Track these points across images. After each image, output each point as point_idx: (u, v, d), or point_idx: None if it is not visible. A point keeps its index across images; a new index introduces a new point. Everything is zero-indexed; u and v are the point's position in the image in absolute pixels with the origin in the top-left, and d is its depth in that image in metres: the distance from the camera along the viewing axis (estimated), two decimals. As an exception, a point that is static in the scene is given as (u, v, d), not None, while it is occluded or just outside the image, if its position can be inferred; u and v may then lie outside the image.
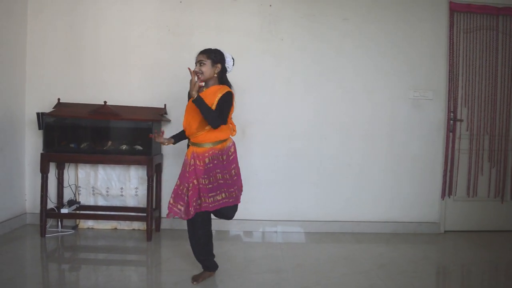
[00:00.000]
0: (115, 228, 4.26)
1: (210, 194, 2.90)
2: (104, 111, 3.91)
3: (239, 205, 3.07)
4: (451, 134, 4.42)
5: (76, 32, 4.24)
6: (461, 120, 4.42)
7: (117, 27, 4.24)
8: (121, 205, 4.24)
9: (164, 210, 4.25)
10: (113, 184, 4.24)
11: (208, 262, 3.07)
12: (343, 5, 4.32)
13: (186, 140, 3.07)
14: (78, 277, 3.17)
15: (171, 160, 4.30)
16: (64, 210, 3.98)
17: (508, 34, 4.42)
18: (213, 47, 2.97)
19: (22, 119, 4.22)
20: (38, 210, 3.99)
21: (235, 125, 3.08)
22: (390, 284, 3.09)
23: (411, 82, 4.38)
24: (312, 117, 4.35)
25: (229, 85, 2.97)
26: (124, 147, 4.01)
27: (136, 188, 4.26)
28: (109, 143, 4.05)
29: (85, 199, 4.26)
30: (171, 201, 2.96)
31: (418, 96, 4.38)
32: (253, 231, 4.30)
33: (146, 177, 3.95)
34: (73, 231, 4.11)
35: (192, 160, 2.90)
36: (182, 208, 2.91)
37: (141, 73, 4.27)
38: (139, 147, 4.01)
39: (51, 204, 4.11)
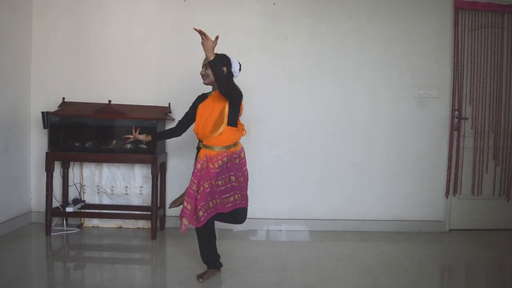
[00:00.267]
0: (120, 227, 4.27)
1: (224, 196, 2.90)
2: (108, 110, 3.92)
3: None
4: (456, 132, 4.40)
5: (81, 31, 4.25)
6: (466, 118, 4.40)
7: (121, 26, 4.25)
8: (125, 204, 4.26)
9: (169, 209, 4.28)
10: (117, 182, 4.26)
11: (214, 262, 3.09)
12: (347, 3, 4.31)
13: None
14: (83, 276, 3.18)
15: (175, 159, 4.31)
16: (69, 209, 4.00)
17: (514, 32, 4.41)
18: (219, 52, 2.98)
19: (27, 118, 4.24)
20: (43, 209, 4.01)
21: (243, 125, 3.09)
22: (394, 282, 3.09)
23: (416, 80, 4.36)
24: (316, 115, 4.34)
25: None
26: (128, 146, 4.02)
27: (141, 186, 4.27)
28: (114, 142, 4.06)
29: (90, 197, 4.27)
30: (188, 206, 2.91)
31: (422, 94, 4.36)
32: (257, 230, 4.31)
33: (150, 176, 3.96)
34: (78, 230, 4.13)
35: (205, 163, 2.90)
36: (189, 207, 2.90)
37: (146, 72, 4.27)
38: (144, 146, 4.02)
39: (56, 202, 4.13)
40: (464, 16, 4.36)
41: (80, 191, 4.26)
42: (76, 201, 4.13)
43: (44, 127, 3.97)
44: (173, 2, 4.26)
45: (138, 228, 4.26)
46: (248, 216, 3.08)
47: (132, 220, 4.23)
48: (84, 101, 4.16)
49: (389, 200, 4.40)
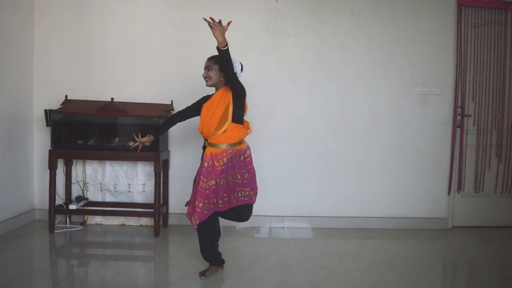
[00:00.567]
0: (123, 224, 4.28)
1: (225, 194, 2.91)
2: (111, 108, 3.93)
3: None
4: (458, 129, 4.39)
5: (83, 29, 4.25)
6: (468, 115, 4.39)
7: (123, 24, 4.26)
8: (128, 201, 4.27)
9: (172, 206, 4.30)
10: (120, 180, 4.26)
11: (216, 260, 3.10)
12: (349, 1, 4.29)
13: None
14: (87, 273, 3.20)
15: (178, 156, 4.32)
16: (72, 206, 4.02)
17: (517, 29, 4.39)
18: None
19: (30, 116, 4.25)
20: (46, 206, 4.02)
21: (248, 123, 3.10)
22: (397, 280, 3.09)
23: (419, 77, 4.35)
24: (318, 113, 4.34)
25: None
26: (131, 143, 4.02)
27: (144, 184, 4.28)
28: (116, 139, 4.06)
29: (93, 195, 4.28)
30: (199, 205, 2.90)
31: (425, 91, 4.35)
32: (260, 227, 4.31)
33: (153, 173, 3.97)
34: (81, 227, 4.14)
35: (211, 161, 2.91)
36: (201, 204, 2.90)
37: (148, 70, 4.28)
38: (147, 143, 4.01)
39: (59, 200, 4.14)
40: (467, 13, 4.34)
41: (83, 188, 4.27)
42: (79, 199, 4.15)
43: (47, 125, 3.98)
44: (174, 0, 4.26)
45: (141, 225, 4.26)
46: (251, 213, 3.08)
47: (135, 218, 4.24)
48: (87, 99, 4.16)
49: (392, 197, 4.40)
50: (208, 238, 3.03)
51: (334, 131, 4.35)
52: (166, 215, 4.24)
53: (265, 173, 4.29)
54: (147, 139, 3.23)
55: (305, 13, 4.29)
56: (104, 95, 4.13)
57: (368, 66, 4.34)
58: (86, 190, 4.28)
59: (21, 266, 3.13)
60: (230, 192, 2.92)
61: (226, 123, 2.89)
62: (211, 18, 2.69)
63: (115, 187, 4.27)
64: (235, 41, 4.28)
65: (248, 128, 3.07)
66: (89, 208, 4.19)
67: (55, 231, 3.96)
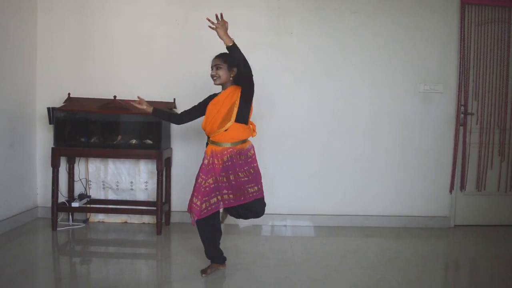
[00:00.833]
0: (125, 222, 4.29)
1: (229, 191, 2.91)
2: (113, 106, 3.93)
3: None
4: (461, 127, 4.38)
5: (86, 27, 4.26)
6: (472, 114, 4.38)
7: (126, 22, 4.26)
8: (131, 199, 4.27)
9: (174, 204, 4.30)
10: (123, 178, 4.27)
11: (217, 258, 3.10)
12: (352, -2, 4.30)
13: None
14: (89, 270, 3.21)
15: (180, 154, 4.32)
16: (75, 204, 4.03)
17: (520, 27, 4.37)
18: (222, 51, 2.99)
19: (33, 114, 4.27)
20: (49, 204, 4.03)
21: (255, 126, 3.09)
22: (399, 278, 3.09)
23: (422, 75, 4.34)
24: (320, 111, 4.34)
25: None
26: (133, 141, 4.03)
27: (146, 182, 4.28)
28: (119, 137, 4.07)
29: (96, 193, 4.29)
30: (197, 202, 2.91)
31: (428, 89, 4.34)
32: (262, 225, 4.31)
33: (155, 171, 3.97)
34: (83, 225, 4.15)
35: (211, 158, 2.92)
36: (198, 203, 2.90)
37: (150, 68, 4.28)
38: (149, 141, 4.03)
39: (62, 198, 4.15)
40: (470, 10, 4.32)
41: (86, 186, 4.28)
42: (81, 196, 4.16)
43: (50, 123, 3.99)
44: (177, -3, 4.27)
45: (143, 223, 4.27)
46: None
47: (137, 215, 4.25)
48: (90, 96, 4.17)
49: (394, 196, 4.39)
50: (209, 235, 3.03)
51: (336, 129, 4.35)
52: (168, 213, 4.25)
53: (267, 171, 4.27)
54: (145, 107, 3.13)
55: (308, 11, 4.28)
56: (106, 93, 4.13)
57: (370, 63, 4.32)
58: (89, 188, 4.29)
59: (24, 264, 3.14)
60: (235, 190, 2.91)
61: (229, 123, 2.89)
62: (213, 18, 2.69)
63: (117, 185, 4.28)
64: (237, 39, 4.27)
65: (253, 130, 3.06)
66: (92, 206, 4.20)
67: (57, 229, 3.97)
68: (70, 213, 4.16)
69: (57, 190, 3.97)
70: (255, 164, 3.02)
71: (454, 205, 4.43)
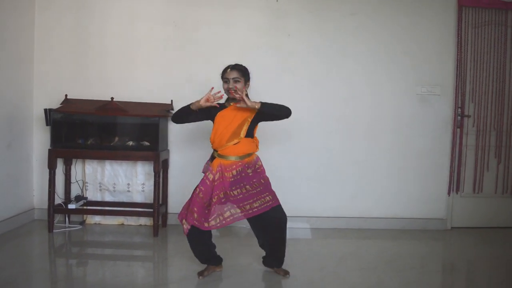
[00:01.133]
0: (122, 224, 4.28)
1: (245, 203, 2.85)
2: (111, 107, 3.92)
3: None
4: (458, 130, 4.38)
5: (83, 28, 4.25)
6: (468, 116, 4.39)
7: (123, 23, 4.25)
8: (128, 201, 4.26)
9: (171, 206, 4.29)
10: (120, 180, 4.26)
11: (212, 259, 3.08)
12: (350, 0, 4.29)
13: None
14: (85, 272, 3.20)
15: (178, 156, 4.31)
16: (71, 206, 4.01)
17: (517, 29, 4.38)
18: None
19: (30, 115, 4.25)
20: (45, 206, 4.01)
21: (258, 141, 3.07)
22: (397, 280, 3.09)
23: (419, 78, 4.35)
24: (318, 112, 4.34)
25: None
26: (130, 143, 4.02)
27: (143, 184, 4.27)
28: (116, 139, 4.06)
29: (92, 194, 4.28)
30: (194, 215, 2.86)
31: (425, 91, 4.35)
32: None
33: (153, 173, 3.96)
34: (80, 227, 4.13)
35: (219, 173, 2.88)
36: (195, 215, 2.84)
37: (148, 69, 4.27)
38: (146, 143, 4.02)
39: (58, 199, 4.13)
40: (467, 13, 4.34)
41: (83, 188, 4.27)
42: (78, 198, 4.14)
43: (47, 124, 3.98)
44: (175, -2, 4.27)
45: (140, 225, 4.26)
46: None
47: (134, 217, 4.24)
48: (87, 98, 4.15)
49: (392, 198, 4.39)
50: (198, 240, 2.95)
51: (334, 131, 4.35)
52: (165, 215, 4.23)
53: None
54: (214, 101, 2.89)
55: (306, 12, 4.29)
56: (104, 95, 4.12)
57: (368, 65, 4.33)
58: (86, 189, 4.27)
59: (20, 266, 3.13)
60: (248, 201, 2.84)
61: (238, 137, 2.89)
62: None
63: (114, 187, 4.26)
64: (235, 40, 4.30)
65: (257, 146, 3.04)
66: (88, 207, 4.19)
67: (54, 231, 3.95)
68: (66, 215, 4.15)
69: (54, 191, 3.95)
70: (264, 175, 3.01)
71: (451, 207, 4.43)
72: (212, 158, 3.01)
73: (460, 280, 3.32)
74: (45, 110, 3.96)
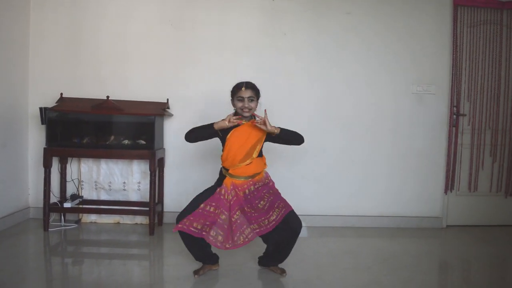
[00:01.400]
0: (118, 222, 4.27)
1: (261, 218, 2.83)
2: (106, 106, 3.91)
3: None
4: (454, 128, 4.40)
5: (79, 27, 4.23)
6: (464, 115, 4.40)
7: (119, 21, 4.24)
8: (123, 200, 4.25)
9: (167, 204, 4.29)
10: (115, 178, 4.25)
11: (208, 258, 3.07)
12: (346, -1, 4.31)
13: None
14: (81, 271, 3.19)
15: (174, 154, 4.31)
16: (67, 205, 4.00)
17: (512, 28, 4.40)
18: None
19: (25, 114, 4.23)
20: (41, 204, 4.00)
21: (265, 159, 3.08)
22: (392, 278, 3.10)
23: (414, 76, 4.36)
24: (315, 112, 4.34)
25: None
26: (126, 141, 4.01)
27: (139, 182, 4.26)
28: (112, 137, 4.06)
29: (88, 193, 4.27)
30: (187, 222, 2.78)
31: (421, 90, 4.36)
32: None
33: (148, 172, 3.96)
34: (76, 225, 4.13)
35: (233, 191, 2.87)
36: (199, 226, 2.78)
37: (144, 68, 4.26)
38: (142, 142, 4.01)
39: (54, 198, 4.12)
40: (463, 12, 4.35)
41: (78, 186, 4.26)
42: (74, 197, 4.13)
43: (42, 123, 3.97)
44: (171, -3, 4.26)
45: (136, 223, 4.26)
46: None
47: (130, 216, 4.24)
48: (82, 97, 4.14)
49: (387, 196, 4.41)
50: (191, 241, 2.91)
51: (329, 130, 4.36)
52: (161, 213, 4.23)
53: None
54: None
55: (302, 12, 4.29)
56: (99, 93, 4.11)
57: (363, 65, 4.34)
58: (81, 188, 4.26)
59: (15, 265, 3.12)
60: (264, 216, 2.83)
61: (251, 158, 2.90)
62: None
63: (110, 185, 4.26)
64: (231, 40, 4.29)
65: (265, 163, 3.05)
66: (84, 206, 4.18)
67: (49, 230, 3.94)
68: (62, 214, 4.14)
69: (49, 190, 3.94)
70: (272, 185, 3.04)
71: (446, 206, 4.45)
72: (222, 175, 2.99)
73: (455, 278, 3.34)
74: (41, 108, 3.95)
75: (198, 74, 4.25)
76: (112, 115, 4.01)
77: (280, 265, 3.15)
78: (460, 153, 4.45)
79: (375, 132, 4.37)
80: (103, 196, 4.28)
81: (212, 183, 3.06)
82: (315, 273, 3.15)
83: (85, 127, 4.12)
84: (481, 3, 4.31)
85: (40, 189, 4.06)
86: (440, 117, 4.39)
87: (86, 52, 4.24)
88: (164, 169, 4.28)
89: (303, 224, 4.28)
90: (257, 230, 2.80)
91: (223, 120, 2.87)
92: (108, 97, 3.95)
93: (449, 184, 4.43)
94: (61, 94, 4.10)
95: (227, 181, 2.91)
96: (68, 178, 4.23)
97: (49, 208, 3.92)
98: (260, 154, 3.01)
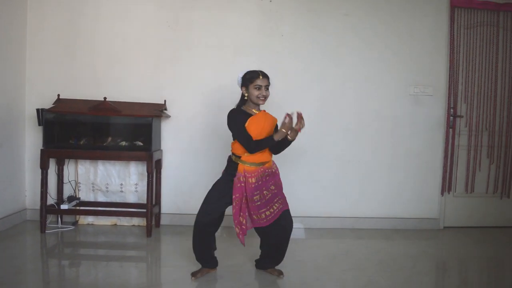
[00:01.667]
0: (115, 224, 4.26)
1: (261, 211, 2.88)
2: (104, 107, 3.91)
3: None
4: (451, 130, 4.41)
5: (76, 28, 4.22)
6: (461, 116, 4.41)
7: (116, 23, 4.23)
8: (121, 201, 4.25)
9: (164, 206, 4.29)
10: (112, 180, 4.24)
11: (207, 262, 3.07)
12: (343, 1, 4.30)
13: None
14: (78, 273, 3.17)
15: (171, 156, 4.30)
16: (64, 206, 3.99)
17: (509, 30, 4.41)
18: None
19: (22, 115, 4.22)
20: (38, 206, 3.99)
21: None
22: (390, 280, 3.10)
23: (412, 78, 4.37)
24: (313, 113, 4.33)
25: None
26: (123, 143, 4.01)
27: (136, 184, 4.26)
28: (109, 139, 4.05)
29: (85, 195, 4.26)
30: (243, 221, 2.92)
31: (418, 92, 4.37)
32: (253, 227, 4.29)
33: (146, 173, 3.95)
34: (73, 227, 4.11)
35: (243, 177, 2.89)
36: (244, 221, 2.93)
37: (141, 69, 4.26)
38: (139, 143, 4.01)
39: (51, 200, 4.11)
40: (460, 14, 4.36)
41: (75, 188, 4.25)
42: (71, 199, 4.12)
43: (39, 124, 3.95)
44: (168, -2, 4.25)
45: (133, 225, 4.25)
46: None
47: (127, 218, 4.23)
48: (79, 98, 4.13)
49: (384, 198, 4.41)
50: (203, 238, 2.97)
51: (326, 131, 4.36)
52: (158, 215, 4.22)
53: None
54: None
55: (299, 13, 4.29)
56: (97, 94, 4.10)
57: (361, 66, 4.34)
58: (78, 190, 4.25)
59: (12, 267, 3.11)
60: (264, 209, 2.89)
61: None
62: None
63: (107, 187, 4.25)
64: (228, 41, 4.29)
65: (270, 153, 3.07)
66: (81, 208, 4.17)
67: (46, 231, 3.93)
68: (59, 216, 4.12)
69: (46, 192, 3.93)
70: (278, 178, 3.05)
71: (443, 207, 4.46)
72: (233, 163, 2.98)
73: (451, 279, 3.34)
74: (38, 110, 3.94)
75: (196, 75, 4.25)
76: (109, 117, 4.00)
77: (277, 267, 3.15)
78: (457, 155, 4.46)
79: (372, 134, 4.38)
80: (100, 198, 4.27)
81: (210, 184, 3.05)
82: (313, 275, 3.15)
83: (82, 129, 4.11)
84: (477, 5, 4.32)
85: (37, 191, 4.05)
86: (437, 119, 4.40)
87: (83, 53, 4.23)
88: (162, 170, 4.27)
89: (301, 225, 4.34)
90: (255, 222, 2.92)
91: (282, 131, 2.87)
92: (105, 98, 3.94)
93: (446, 185, 4.44)
94: (58, 95, 4.09)
95: (240, 168, 2.92)
96: (65, 179, 4.22)
97: (46, 209, 3.91)
98: None
